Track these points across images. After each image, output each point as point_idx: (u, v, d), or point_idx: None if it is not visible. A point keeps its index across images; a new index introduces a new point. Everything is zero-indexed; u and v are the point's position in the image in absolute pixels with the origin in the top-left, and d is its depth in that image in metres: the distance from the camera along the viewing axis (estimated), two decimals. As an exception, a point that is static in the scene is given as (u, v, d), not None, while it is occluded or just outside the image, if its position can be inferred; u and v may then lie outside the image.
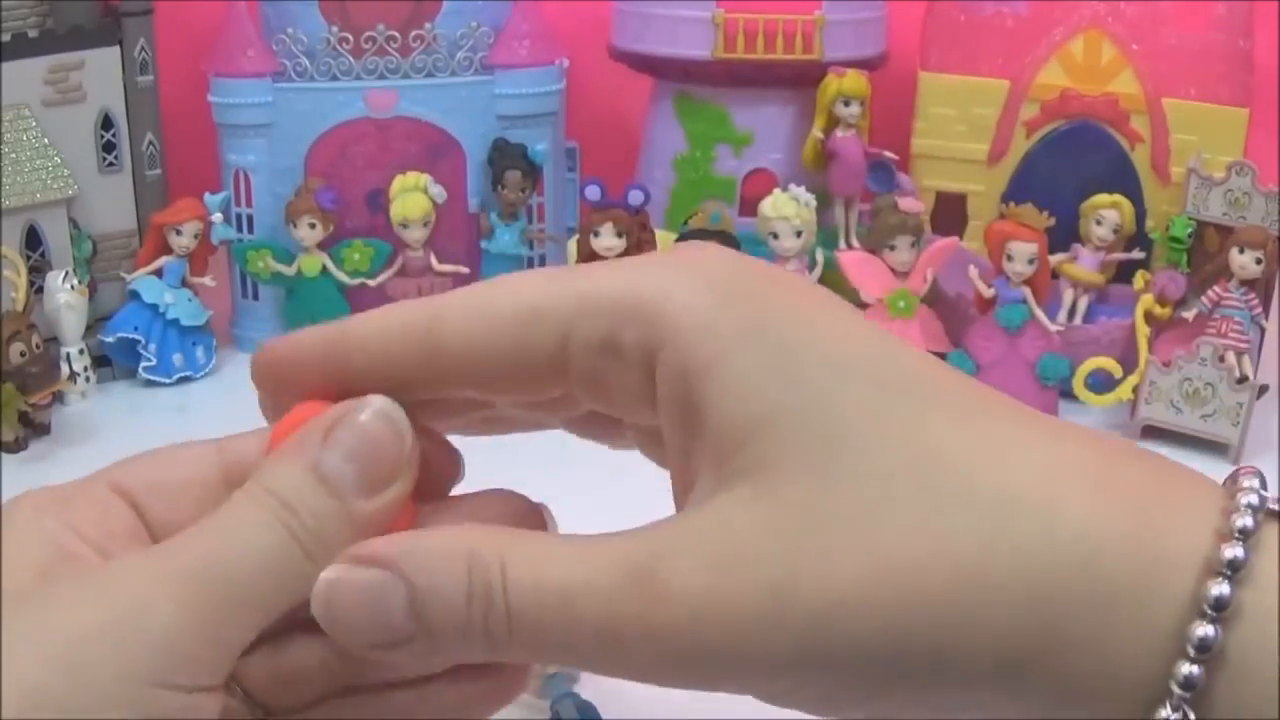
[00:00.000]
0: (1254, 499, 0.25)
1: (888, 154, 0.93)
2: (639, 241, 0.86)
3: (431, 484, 0.31)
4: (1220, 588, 0.24)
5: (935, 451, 0.26)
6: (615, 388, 0.28)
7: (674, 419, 0.27)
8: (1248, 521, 0.25)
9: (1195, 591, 0.24)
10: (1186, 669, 0.24)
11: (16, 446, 0.80)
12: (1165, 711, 0.24)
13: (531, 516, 0.32)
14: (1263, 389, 0.84)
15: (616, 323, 0.27)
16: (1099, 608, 0.24)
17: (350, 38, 0.93)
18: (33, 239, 0.89)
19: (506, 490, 0.32)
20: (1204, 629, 0.24)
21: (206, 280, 0.94)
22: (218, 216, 0.92)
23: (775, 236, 0.86)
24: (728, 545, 0.25)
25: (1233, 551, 0.24)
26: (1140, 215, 0.97)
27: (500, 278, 0.30)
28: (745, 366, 0.26)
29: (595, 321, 0.27)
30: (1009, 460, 0.27)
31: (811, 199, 0.85)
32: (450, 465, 0.33)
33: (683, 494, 0.29)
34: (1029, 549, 0.25)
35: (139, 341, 0.90)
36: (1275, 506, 0.25)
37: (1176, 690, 0.24)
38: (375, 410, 0.29)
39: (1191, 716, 0.24)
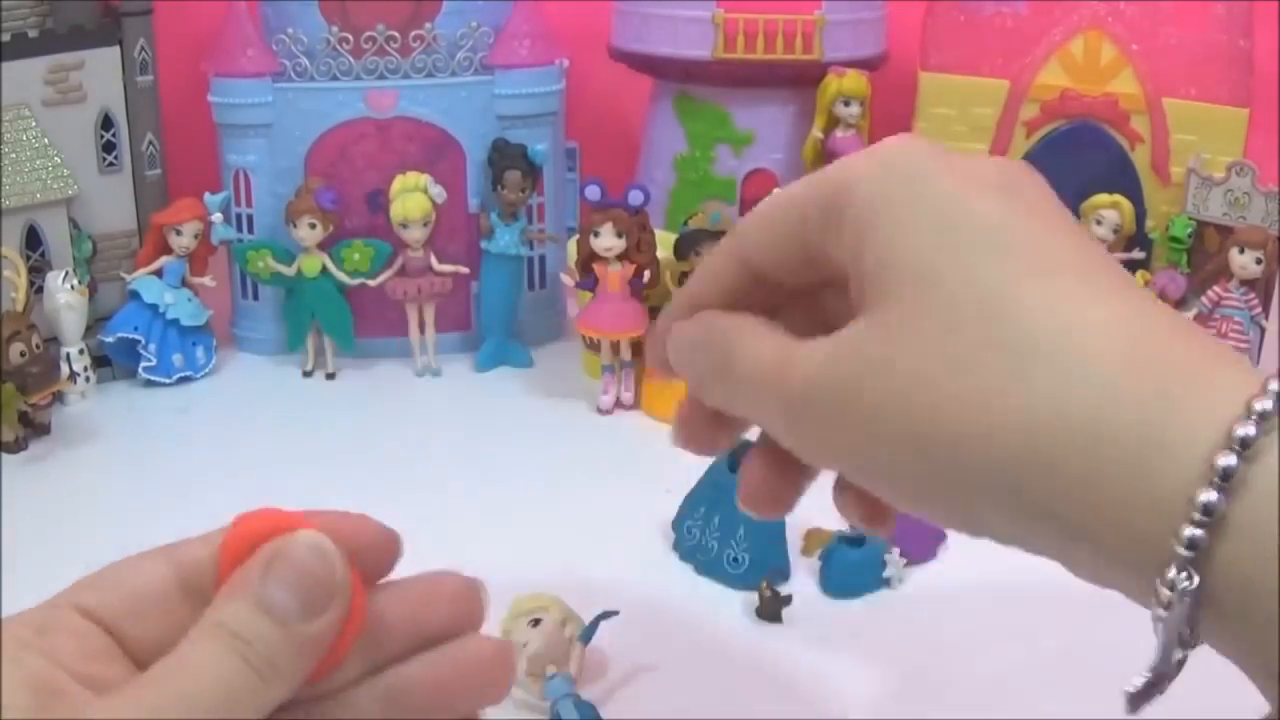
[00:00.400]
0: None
1: (888, 154, 0.93)
2: (639, 242, 0.86)
3: (377, 566, 0.36)
4: (1228, 459, 0.26)
5: (1005, 301, 0.30)
6: (830, 250, 0.35)
7: (853, 269, 0.34)
8: (1268, 405, 0.27)
9: (1205, 459, 0.27)
10: (1190, 531, 0.26)
11: (17, 446, 0.80)
12: (1172, 572, 0.27)
13: (463, 591, 0.37)
14: (1263, 389, 0.84)
15: (826, 196, 0.35)
16: (1105, 450, 0.28)
17: (350, 38, 0.93)
18: (33, 239, 0.89)
19: (443, 572, 0.37)
20: (1209, 494, 0.26)
21: (206, 280, 0.94)
22: (218, 216, 0.92)
23: (775, 236, 0.86)
24: (837, 348, 0.33)
25: (1245, 430, 0.26)
26: (1140, 215, 0.97)
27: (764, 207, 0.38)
28: (884, 229, 0.32)
29: (820, 193, 0.35)
30: (1069, 318, 0.30)
31: (812, 199, 0.85)
32: (389, 549, 0.36)
33: None
34: (1052, 391, 0.29)
35: (139, 341, 0.91)
36: None
37: (1181, 551, 0.27)
38: (307, 544, 0.32)
39: (1196, 579, 0.27)
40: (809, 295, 0.39)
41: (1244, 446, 0.27)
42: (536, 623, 0.48)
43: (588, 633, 0.50)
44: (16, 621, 0.32)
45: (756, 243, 0.37)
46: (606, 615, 0.50)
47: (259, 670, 0.31)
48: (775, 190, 0.39)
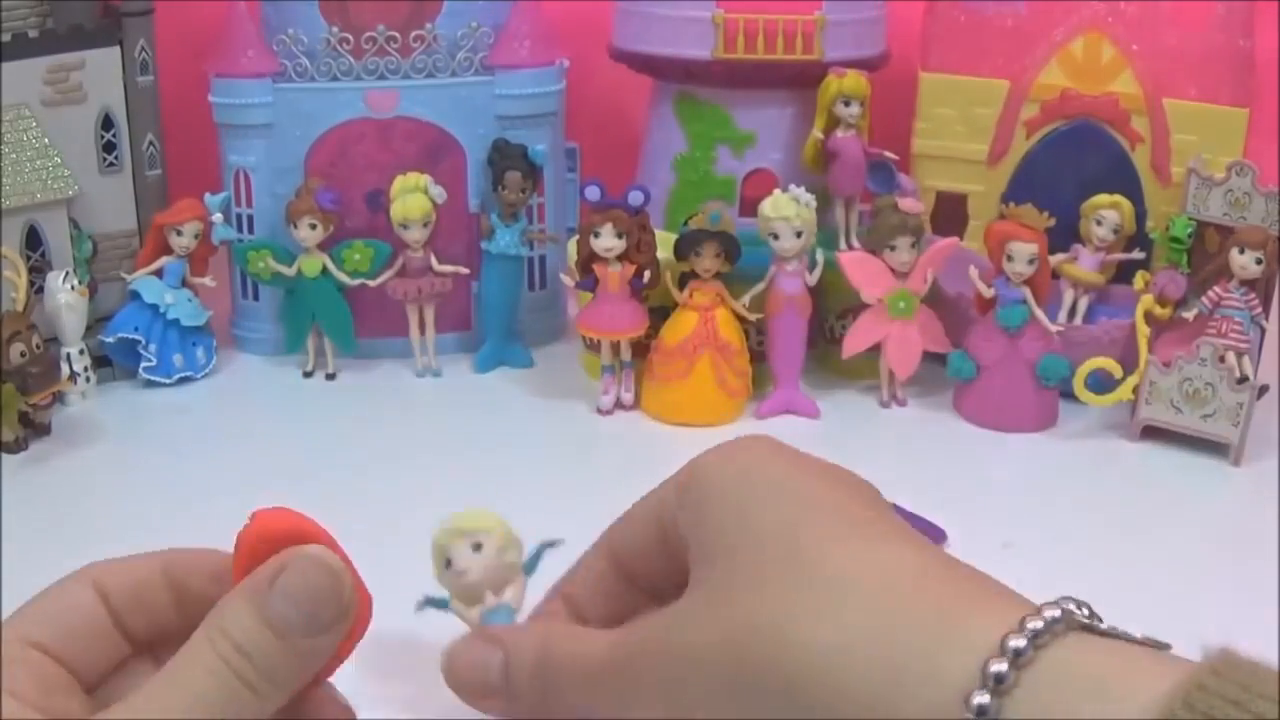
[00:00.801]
0: (1056, 613, 0.31)
1: (888, 154, 0.93)
2: (639, 242, 0.86)
3: None
4: (1000, 665, 0.30)
5: (810, 552, 0.34)
6: (680, 526, 0.39)
7: (693, 538, 0.38)
8: (1038, 623, 0.31)
9: (980, 667, 0.30)
10: None
11: (17, 447, 0.80)
12: None
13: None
14: (1263, 389, 0.84)
15: (682, 479, 0.40)
16: (887, 672, 0.31)
17: (350, 38, 0.93)
18: (33, 239, 0.89)
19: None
20: (982, 697, 0.30)
21: (207, 280, 0.94)
22: (218, 217, 0.92)
23: (775, 237, 0.86)
24: (651, 627, 0.37)
25: (1017, 641, 0.31)
26: (1140, 215, 0.97)
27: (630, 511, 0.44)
28: (717, 501, 0.37)
29: (678, 478, 0.40)
30: (863, 563, 0.34)
31: (812, 199, 0.85)
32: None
33: None
34: (854, 622, 0.32)
35: (139, 342, 0.90)
36: (1083, 618, 0.32)
37: None
38: (316, 559, 0.33)
39: None
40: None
41: (1016, 655, 0.30)
42: (478, 547, 0.44)
43: (531, 563, 0.46)
44: None
45: (622, 532, 0.42)
46: (551, 544, 0.47)
47: (255, 686, 0.32)
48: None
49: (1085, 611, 0.33)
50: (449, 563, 0.44)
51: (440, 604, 0.44)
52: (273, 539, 0.34)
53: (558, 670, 0.37)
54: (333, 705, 0.38)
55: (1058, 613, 0.32)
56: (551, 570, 0.47)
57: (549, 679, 0.37)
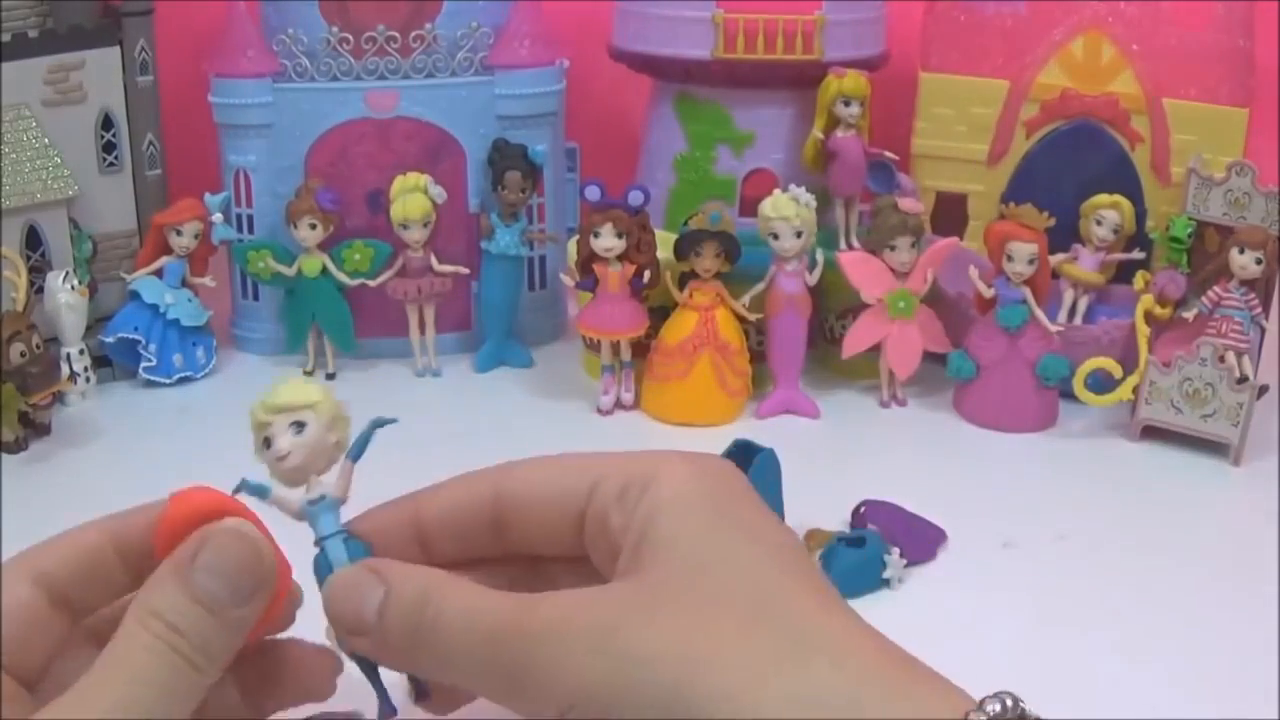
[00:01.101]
0: (996, 707, 0.31)
1: (888, 154, 0.93)
2: (639, 242, 0.86)
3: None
4: None
5: (778, 599, 0.33)
6: (611, 517, 0.36)
7: (629, 538, 0.35)
8: (996, 706, 0.31)
9: None
10: None
11: (17, 447, 0.80)
12: None
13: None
14: (1263, 389, 0.84)
15: (633, 474, 0.37)
16: None
17: (350, 38, 0.93)
18: (33, 239, 0.89)
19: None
20: None
21: (207, 280, 0.94)
22: (218, 217, 0.92)
23: (775, 237, 0.86)
24: (596, 595, 0.34)
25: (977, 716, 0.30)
26: (1140, 215, 0.97)
27: (547, 457, 0.41)
28: (676, 517, 0.35)
29: (628, 469, 0.37)
30: (833, 621, 0.34)
31: (812, 199, 0.85)
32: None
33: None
34: (820, 677, 0.32)
35: (139, 342, 0.91)
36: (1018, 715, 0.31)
37: None
38: (233, 531, 0.34)
39: None
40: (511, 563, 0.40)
41: None
42: (300, 427, 0.39)
43: (359, 447, 0.40)
44: None
45: (511, 485, 0.39)
46: (382, 423, 0.41)
47: (192, 661, 0.33)
48: (547, 458, 0.41)
49: (1019, 708, 0.32)
50: (267, 442, 0.39)
51: (260, 492, 0.38)
52: (193, 516, 0.35)
53: (443, 622, 0.34)
54: (316, 655, 0.39)
55: (998, 706, 0.32)
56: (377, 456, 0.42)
57: (428, 628, 0.34)
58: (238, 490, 0.38)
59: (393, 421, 0.41)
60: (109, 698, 0.32)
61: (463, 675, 0.35)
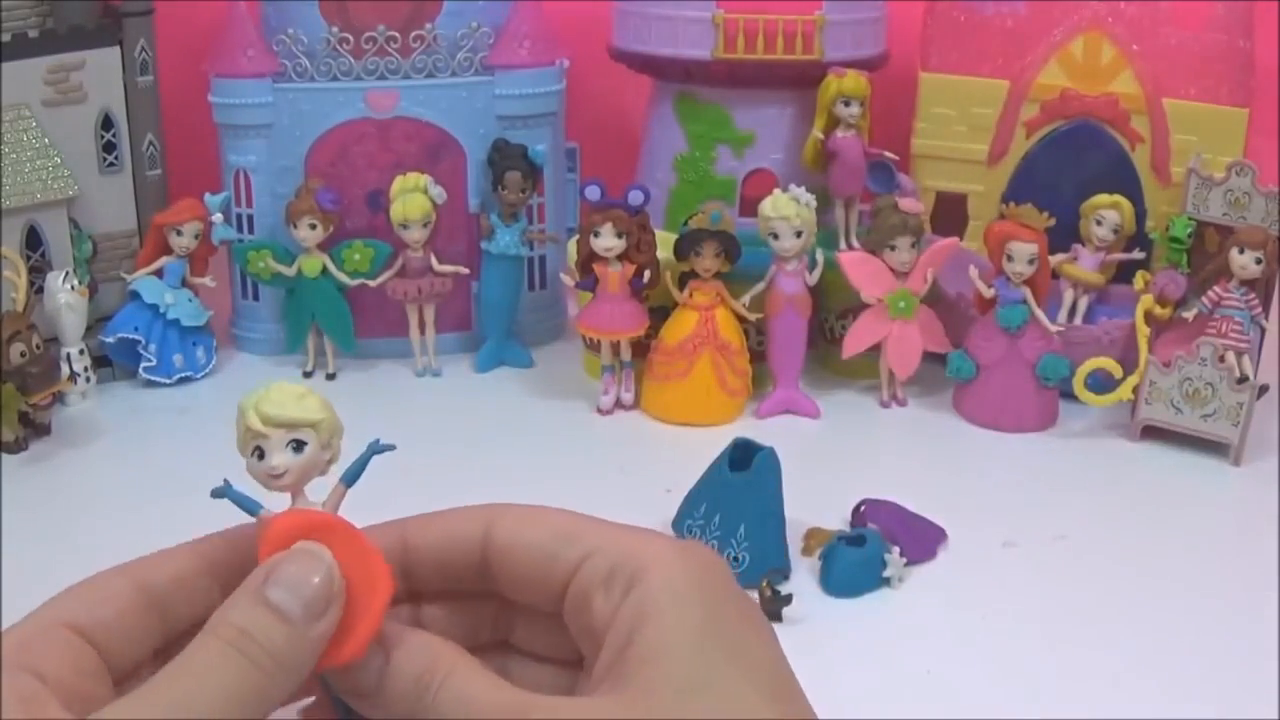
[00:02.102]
0: None
1: (888, 154, 0.93)
2: (639, 242, 0.86)
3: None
4: None
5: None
6: (596, 603, 0.36)
7: (614, 637, 0.35)
8: None
9: None
10: None
11: (17, 447, 0.80)
12: None
13: None
14: (1263, 389, 0.84)
15: (619, 560, 0.36)
16: None
17: (350, 38, 0.93)
18: (33, 239, 0.89)
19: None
20: None
21: (207, 281, 0.94)
22: (218, 217, 0.92)
23: (775, 237, 0.86)
24: (588, 710, 0.33)
25: None
26: (1140, 215, 0.97)
27: (544, 509, 0.38)
28: (669, 628, 0.34)
29: (606, 558, 0.36)
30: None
31: (812, 199, 0.85)
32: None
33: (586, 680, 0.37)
34: None
35: (139, 342, 0.90)
36: None
37: None
38: (307, 552, 0.35)
39: None
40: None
41: None
42: (299, 446, 0.36)
43: (354, 472, 0.38)
44: (8, 639, 0.33)
45: (516, 539, 0.38)
46: (380, 449, 0.39)
47: (263, 666, 0.32)
48: (539, 511, 0.39)
49: None
50: (260, 453, 0.36)
51: (248, 507, 0.36)
52: (296, 534, 0.35)
53: (439, 702, 0.34)
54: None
55: None
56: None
57: (426, 707, 0.34)
58: (218, 495, 0.36)
59: (390, 448, 0.39)
60: (169, 695, 0.32)
61: None
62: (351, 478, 0.38)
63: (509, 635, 0.40)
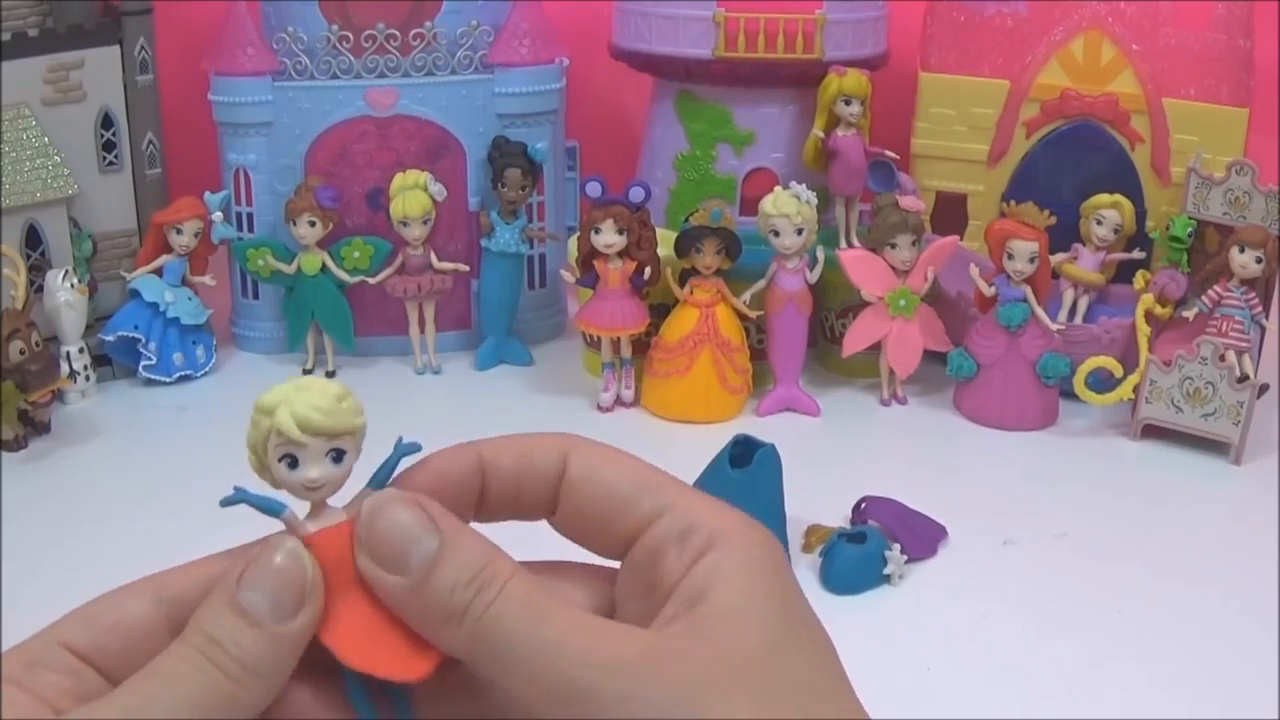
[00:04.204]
0: None
1: (888, 153, 0.93)
2: (640, 239, 0.86)
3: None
4: None
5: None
6: (669, 561, 0.35)
7: (682, 595, 0.34)
8: None
9: None
10: None
11: (17, 445, 0.80)
12: None
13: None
14: (1263, 388, 0.84)
15: (695, 525, 0.35)
16: None
17: (350, 36, 0.93)
18: (33, 238, 0.89)
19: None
20: None
21: (207, 279, 0.94)
22: (218, 215, 0.92)
23: (776, 234, 0.85)
24: (655, 647, 0.32)
25: None
26: (1140, 215, 0.97)
27: (618, 451, 0.36)
28: (741, 597, 0.33)
29: (682, 518, 0.35)
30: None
31: (813, 196, 0.85)
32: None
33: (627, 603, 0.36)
34: None
35: (139, 340, 0.90)
36: None
37: None
38: (282, 549, 0.33)
39: None
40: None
41: None
42: (339, 457, 0.33)
43: (381, 477, 0.35)
44: (4, 656, 0.33)
45: (587, 500, 0.36)
46: (408, 450, 0.35)
47: (229, 673, 0.32)
48: (622, 458, 0.37)
49: None
50: (293, 461, 0.33)
51: (270, 509, 0.33)
52: (339, 548, 0.34)
53: (498, 611, 0.31)
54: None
55: None
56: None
57: (478, 611, 0.31)
58: (231, 503, 0.33)
59: (417, 448, 0.36)
60: (127, 699, 0.31)
61: (496, 672, 0.32)
62: (380, 483, 0.35)
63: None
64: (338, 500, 0.35)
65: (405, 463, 0.36)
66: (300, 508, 0.34)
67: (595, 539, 0.37)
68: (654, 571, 0.35)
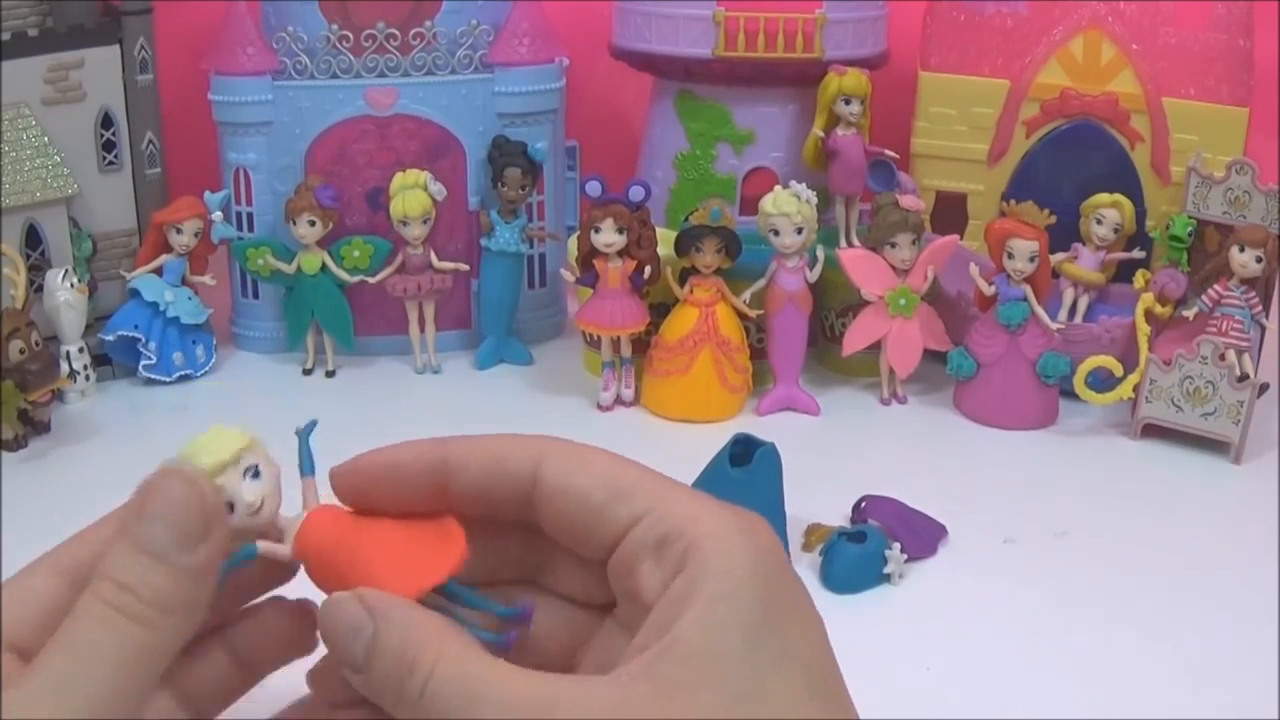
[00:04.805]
0: None
1: (888, 152, 0.93)
2: (639, 238, 0.86)
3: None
4: None
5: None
6: (643, 576, 0.34)
7: (658, 618, 0.32)
8: None
9: None
10: None
11: (16, 445, 0.80)
12: None
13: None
14: (1263, 387, 0.84)
15: (672, 531, 0.33)
16: None
17: (350, 35, 0.93)
18: (33, 237, 0.89)
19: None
20: None
21: (206, 279, 0.94)
22: (218, 215, 0.92)
23: (776, 233, 0.85)
24: (624, 693, 0.31)
25: None
26: (1140, 214, 0.97)
27: (594, 452, 0.36)
28: (721, 611, 0.31)
29: (658, 524, 0.34)
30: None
31: (813, 195, 0.85)
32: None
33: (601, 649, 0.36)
34: None
35: (139, 340, 0.90)
36: None
37: None
38: (175, 474, 0.33)
39: None
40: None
41: None
42: (255, 472, 0.35)
43: (306, 463, 0.37)
44: None
45: (560, 504, 0.35)
46: (309, 429, 0.38)
47: (144, 619, 0.31)
48: (595, 457, 0.36)
49: None
50: (231, 507, 0.34)
51: (246, 555, 0.35)
52: (330, 521, 0.36)
53: (442, 690, 0.31)
54: (293, 611, 0.37)
55: None
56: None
57: (415, 694, 0.31)
58: (232, 565, 0.35)
59: (313, 424, 0.38)
60: (46, 677, 0.30)
61: None
62: (309, 467, 0.38)
63: (536, 574, 0.38)
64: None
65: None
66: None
67: (578, 547, 0.36)
68: (632, 582, 0.34)
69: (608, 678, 0.31)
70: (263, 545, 0.35)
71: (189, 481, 0.33)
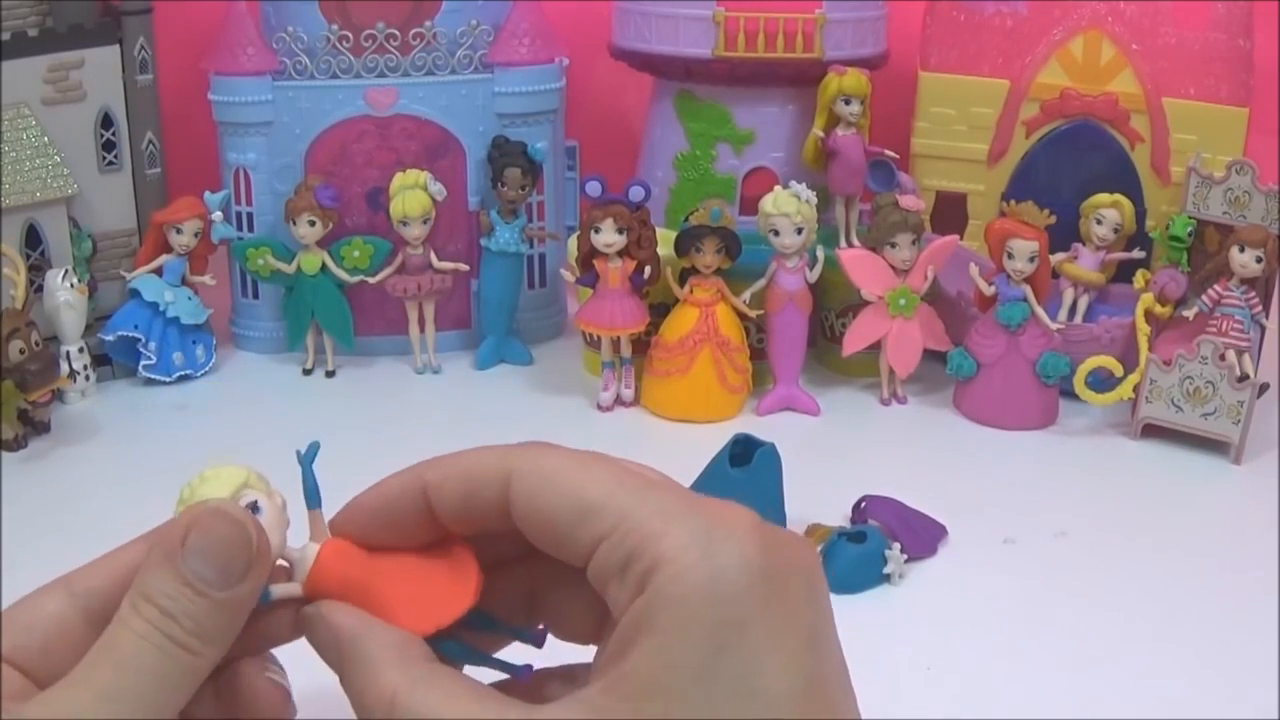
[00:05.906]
0: None
1: (888, 152, 0.93)
2: (639, 238, 0.86)
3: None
4: None
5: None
6: (612, 590, 0.33)
7: (614, 643, 0.32)
8: None
9: None
10: None
11: (16, 445, 0.80)
12: None
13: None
14: (1263, 387, 0.84)
15: (637, 547, 0.32)
16: None
17: (350, 36, 0.93)
18: (33, 237, 0.89)
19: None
20: None
21: (206, 279, 0.94)
22: (218, 215, 0.92)
23: (776, 233, 0.86)
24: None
25: None
26: (1140, 214, 0.97)
27: (563, 462, 0.36)
28: (676, 632, 0.31)
29: (623, 542, 0.33)
30: None
31: (813, 195, 0.85)
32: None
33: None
34: None
35: (139, 340, 0.90)
36: None
37: None
38: (219, 513, 0.34)
39: None
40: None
41: None
42: (255, 508, 0.35)
43: (312, 495, 0.37)
44: None
45: (532, 513, 0.35)
46: (311, 455, 0.38)
47: (186, 645, 0.32)
48: (570, 468, 0.36)
49: None
50: None
51: (260, 600, 0.35)
52: (345, 559, 0.36)
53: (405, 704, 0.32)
54: (267, 682, 0.37)
55: None
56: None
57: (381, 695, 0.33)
58: (307, 457, 0.37)
59: (314, 449, 0.38)
60: (96, 686, 0.32)
61: None
62: (315, 500, 0.37)
63: (536, 586, 0.39)
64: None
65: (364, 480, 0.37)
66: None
67: (559, 557, 0.36)
68: (607, 598, 0.33)
69: (556, 705, 0.32)
70: (276, 590, 0.36)
71: (233, 520, 0.34)
